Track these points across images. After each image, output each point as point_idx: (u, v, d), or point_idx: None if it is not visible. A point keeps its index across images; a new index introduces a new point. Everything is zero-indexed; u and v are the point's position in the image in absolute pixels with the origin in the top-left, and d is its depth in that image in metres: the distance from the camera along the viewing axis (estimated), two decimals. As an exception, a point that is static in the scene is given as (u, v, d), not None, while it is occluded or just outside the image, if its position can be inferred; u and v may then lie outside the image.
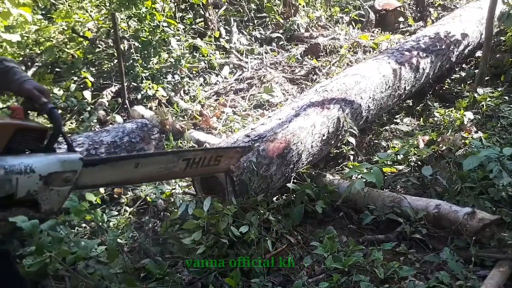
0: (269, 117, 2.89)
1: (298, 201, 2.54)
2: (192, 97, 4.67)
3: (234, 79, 5.14)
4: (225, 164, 2.26)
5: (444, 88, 4.31)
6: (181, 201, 2.31)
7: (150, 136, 3.19)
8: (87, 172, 1.51)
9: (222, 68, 5.34)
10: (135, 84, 4.60)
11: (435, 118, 3.70)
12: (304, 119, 2.83)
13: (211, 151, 2.17)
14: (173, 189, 2.82)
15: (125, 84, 4.32)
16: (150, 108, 4.35)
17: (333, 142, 3.08)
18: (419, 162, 2.98)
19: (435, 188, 2.68)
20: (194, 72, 5.14)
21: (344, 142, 3.14)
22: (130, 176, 1.72)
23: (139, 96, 4.48)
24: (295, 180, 2.75)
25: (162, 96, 4.50)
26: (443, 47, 4.12)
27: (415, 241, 2.26)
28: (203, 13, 5.72)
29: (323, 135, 2.91)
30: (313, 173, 2.88)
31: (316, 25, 6.32)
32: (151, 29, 4.71)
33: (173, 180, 2.95)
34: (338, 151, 3.27)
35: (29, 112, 1.41)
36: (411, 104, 4.08)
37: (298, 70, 5.28)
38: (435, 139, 3.21)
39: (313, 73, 5.01)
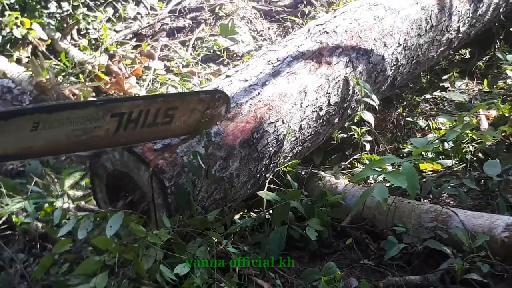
0: (227, 76, 2.90)
1: (278, 220, 2.55)
2: (94, 42, 4.63)
3: (168, 11, 5.12)
4: (182, 123, 2.29)
5: (524, 30, 4.43)
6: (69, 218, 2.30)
7: (18, 110, 3.15)
8: None
9: (147, -9, 5.28)
10: (-9, 19, 4.51)
11: (508, 81, 3.80)
12: (288, 81, 2.85)
13: (158, 100, 2.19)
14: (57, 201, 2.79)
15: (-28, 17, 4.23)
16: (19, 61, 4.29)
17: (336, 120, 3.12)
18: (479, 154, 3.06)
19: (505, 196, 2.74)
20: (96, -3, 5.06)
21: (355, 120, 3.20)
22: (24, 144, 1.75)
23: (-3, 40, 4.42)
24: (272, 186, 2.77)
25: (40, 39, 4.44)
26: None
27: (472, 284, 2.30)
28: None
29: (320, 109, 2.95)
30: (303, 173, 2.92)
31: None
32: None
33: (59, 189, 2.92)
34: (345, 135, 3.33)
35: None
36: (468, 56, 4.16)
37: (280, -3, 5.29)
38: (507, 115, 3.30)
39: (304, 2, 5.04)
